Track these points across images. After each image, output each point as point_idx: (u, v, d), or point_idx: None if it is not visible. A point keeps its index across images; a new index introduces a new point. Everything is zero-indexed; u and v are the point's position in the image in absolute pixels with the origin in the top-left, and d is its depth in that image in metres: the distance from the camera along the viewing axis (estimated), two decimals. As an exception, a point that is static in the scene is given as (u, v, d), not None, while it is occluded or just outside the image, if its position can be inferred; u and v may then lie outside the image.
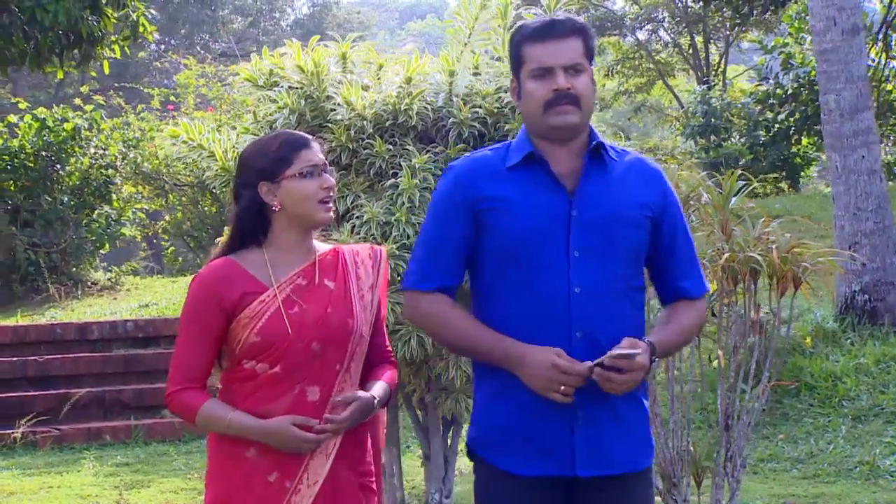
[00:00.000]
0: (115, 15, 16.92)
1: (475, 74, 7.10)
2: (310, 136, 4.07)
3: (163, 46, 43.99)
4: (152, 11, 42.40)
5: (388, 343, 4.28)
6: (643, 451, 3.95)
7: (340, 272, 4.06)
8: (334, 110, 6.74)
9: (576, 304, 3.76)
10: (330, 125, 6.73)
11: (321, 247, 4.12)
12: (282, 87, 6.93)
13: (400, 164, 6.59)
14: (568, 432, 3.78)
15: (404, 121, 6.74)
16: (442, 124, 6.93)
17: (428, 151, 6.80)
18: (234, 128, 7.36)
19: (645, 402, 3.99)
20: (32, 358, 12.59)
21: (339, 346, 3.96)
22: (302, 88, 6.91)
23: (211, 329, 3.91)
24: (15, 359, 12.54)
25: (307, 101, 6.85)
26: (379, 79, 7.17)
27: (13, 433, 11.42)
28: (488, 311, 3.88)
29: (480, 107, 6.81)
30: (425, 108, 6.80)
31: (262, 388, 3.90)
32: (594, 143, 3.89)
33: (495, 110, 6.85)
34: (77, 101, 20.42)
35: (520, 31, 3.95)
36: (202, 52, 40.80)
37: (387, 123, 6.76)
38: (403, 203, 6.55)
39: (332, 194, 4.00)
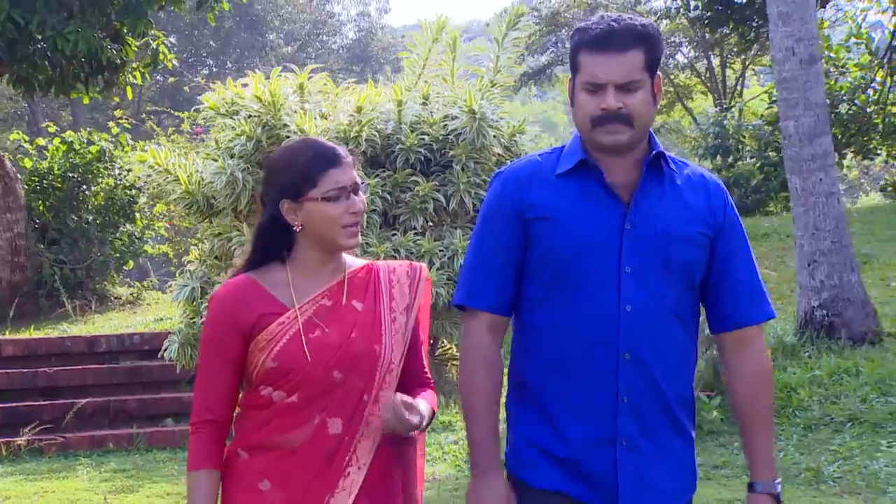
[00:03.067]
0: (137, 43, 17.26)
1: (424, 104, 7.34)
2: (343, 152, 3.59)
3: (215, 70, 44.58)
4: (206, 33, 42.92)
5: (426, 368, 3.79)
6: (687, 483, 3.60)
7: (371, 292, 3.62)
8: (289, 137, 7.00)
9: (625, 323, 3.40)
10: (284, 151, 7.00)
11: (353, 262, 3.68)
12: (241, 115, 7.21)
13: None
14: (611, 460, 3.43)
15: (354, 147, 7.00)
16: (391, 150, 7.18)
17: (377, 175, 7.06)
18: (197, 152, 7.66)
19: (692, 430, 3.63)
20: (42, 369, 12.93)
21: (364, 375, 3.51)
22: (259, 117, 7.18)
23: (229, 353, 3.52)
24: (25, 370, 12.89)
25: (263, 129, 7.12)
26: (335, 107, 7.45)
27: (17, 441, 11.74)
28: (532, 325, 3.54)
29: (427, 134, 7.05)
30: (374, 134, 7.07)
31: (279, 416, 3.49)
32: (654, 152, 3.52)
33: (441, 137, 7.10)
34: (111, 124, 20.80)
35: (579, 33, 3.51)
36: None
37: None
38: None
39: (359, 219, 3.55)
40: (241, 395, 3.61)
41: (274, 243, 3.58)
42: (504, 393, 3.64)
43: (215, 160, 6.96)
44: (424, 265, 3.78)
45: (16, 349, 13.29)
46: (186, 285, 6.97)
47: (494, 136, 6.96)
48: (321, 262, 3.57)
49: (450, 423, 11.65)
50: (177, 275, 7.50)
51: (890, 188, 26.97)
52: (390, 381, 3.55)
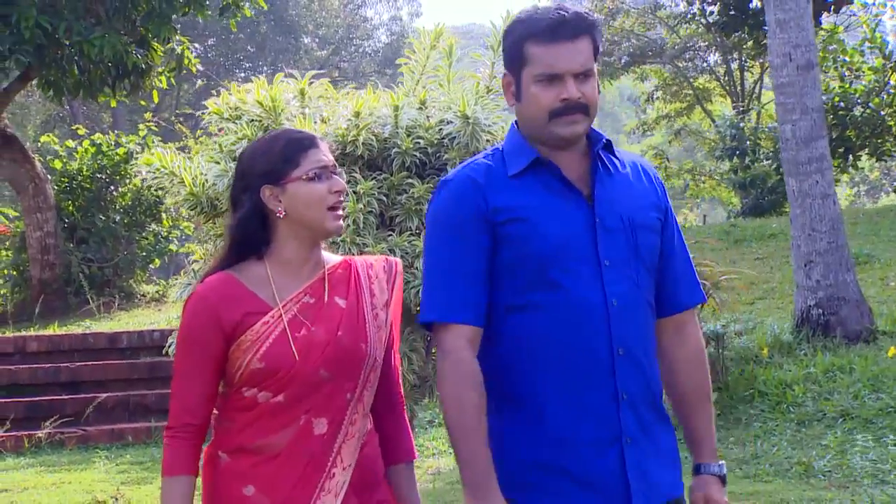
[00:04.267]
0: (162, 49, 17.43)
1: (420, 108, 7.43)
2: (316, 135, 3.45)
3: (251, 73, 44.80)
4: (241, 37, 43.09)
5: (398, 379, 3.59)
6: (678, 475, 3.42)
7: (353, 288, 3.44)
8: (289, 141, 7.11)
9: (615, 318, 3.23)
10: (284, 154, 7.09)
11: (330, 259, 3.50)
12: (244, 119, 7.31)
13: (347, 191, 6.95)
14: (618, 461, 3.24)
15: (352, 150, 7.10)
16: (387, 154, 7.27)
17: (373, 178, 7.16)
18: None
19: (671, 421, 3.46)
20: (65, 365, 13.15)
21: (350, 373, 3.35)
22: (261, 121, 7.27)
23: (210, 354, 3.31)
24: (48, 365, 13.12)
25: (264, 133, 7.20)
26: (335, 112, 7.54)
27: (38, 433, 11.94)
28: (511, 334, 3.28)
29: (422, 138, 7.14)
30: (371, 138, 7.16)
31: (262, 418, 3.31)
32: (603, 141, 3.36)
33: (435, 141, 7.17)
34: (140, 126, 21.01)
35: (522, 24, 3.31)
36: (285, 79, 41.65)
37: (336, 153, 7.12)
38: (349, 225, 6.90)
39: (342, 199, 3.37)
40: (218, 400, 3.40)
41: (253, 237, 3.37)
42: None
43: (217, 163, 7.03)
44: (399, 260, 3.65)
45: (40, 345, 13.50)
46: (189, 284, 7.05)
47: (487, 141, 7.01)
48: (301, 257, 3.39)
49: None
50: (181, 273, 7.61)
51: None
52: (374, 379, 3.42)
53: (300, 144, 3.35)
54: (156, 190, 7.76)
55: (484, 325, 3.28)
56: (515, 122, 3.43)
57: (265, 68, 45.16)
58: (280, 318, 3.30)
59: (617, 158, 3.40)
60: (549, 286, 3.23)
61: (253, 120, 7.32)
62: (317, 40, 48.90)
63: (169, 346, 7.65)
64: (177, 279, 7.59)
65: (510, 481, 3.24)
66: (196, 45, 38.73)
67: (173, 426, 3.35)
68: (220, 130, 7.52)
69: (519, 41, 3.29)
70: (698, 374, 3.47)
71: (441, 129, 7.19)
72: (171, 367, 8.36)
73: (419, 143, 7.10)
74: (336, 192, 3.34)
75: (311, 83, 7.50)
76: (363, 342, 3.37)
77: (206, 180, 7.25)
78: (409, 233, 7.04)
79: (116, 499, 9.16)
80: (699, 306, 3.60)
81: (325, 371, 3.30)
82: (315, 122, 7.18)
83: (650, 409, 3.33)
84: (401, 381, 3.61)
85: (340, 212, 3.37)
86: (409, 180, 7.24)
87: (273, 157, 3.33)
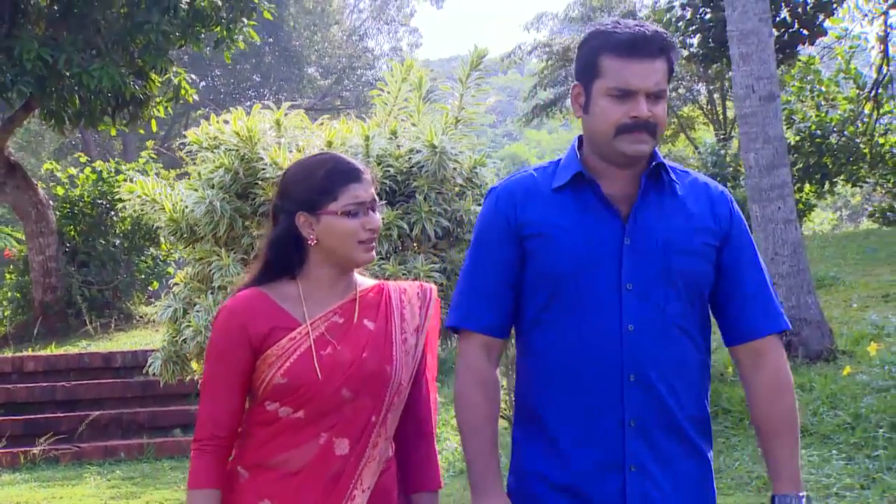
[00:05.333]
0: (159, 79, 17.54)
1: (392, 138, 7.52)
2: (363, 167, 3.37)
3: (257, 102, 44.72)
4: (247, 67, 43.20)
5: (430, 406, 3.50)
6: None
7: (383, 312, 3.39)
8: (264, 169, 7.19)
9: (628, 343, 3.11)
10: (260, 182, 7.18)
11: (364, 282, 3.45)
12: (221, 149, 7.41)
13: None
14: (619, 486, 3.14)
15: (324, 178, 7.20)
16: (359, 181, 7.36)
17: (345, 205, 7.25)
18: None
19: (708, 452, 3.30)
20: (61, 384, 13.22)
21: (373, 395, 3.28)
22: (237, 150, 7.37)
23: (238, 367, 3.26)
24: (45, 384, 13.20)
25: (241, 162, 7.30)
26: (310, 142, 7.64)
27: (33, 450, 12.00)
28: (532, 348, 3.26)
29: (392, 166, 7.23)
30: (343, 167, 7.26)
31: (283, 433, 3.25)
32: (654, 162, 3.21)
33: (405, 169, 7.26)
34: (143, 153, 21.15)
35: (601, 37, 3.19)
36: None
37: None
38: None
39: (374, 235, 3.32)
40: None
41: (286, 258, 3.33)
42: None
43: (195, 190, 7.13)
44: (434, 286, 3.58)
45: (37, 365, 13.60)
46: (170, 306, 7.16)
47: (454, 168, 7.12)
48: (333, 279, 3.34)
49: (437, 435, 11.84)
50: (162, 296, 7.70)
51: (878, 214, 27.12)
52: (398, 403, 3.35)
53: (342, 177, 3.29)
54: (139, 217, 7.85)
55: (504, 337, 3.30)
56: (579, 136, 3.33)
57: (270, 97, 45.36)
58: (307, 336, 3.26)
59: (677, 181, 3.26)
60: (565, 306, 3.16)
61: (230, 149, 7.42)
62: (320, 70, 49.03)
63: (149, 367, 7.74)
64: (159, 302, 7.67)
65: (517, 490, 3.26)
66: (194, 75, 38.89)
67: (200, 438, 3.29)
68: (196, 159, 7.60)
69: (595, 52, 3.18)
70: (779, 402, 3.26)
71: (410, 157, 7.29)
72: (164, 385, 8.33)
73: (389, 170, 7.19)
74: (369, 230, 3.29)
75: (287, 114, 7.61)
76: (388, 364, 3.30)
77: (186, 207, 7.35)
78: (379, 256, 7.12)
79: (103, 513, 9.28)
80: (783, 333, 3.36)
81: (348, 391, 3.24)
82: (290, 152, 7.27)
83: (670, 435, 3.19)
84: (435, 407, 3.53)
85: (372, 245, 3.32)
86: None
87: (313, 186, 3.28)
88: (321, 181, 3.27)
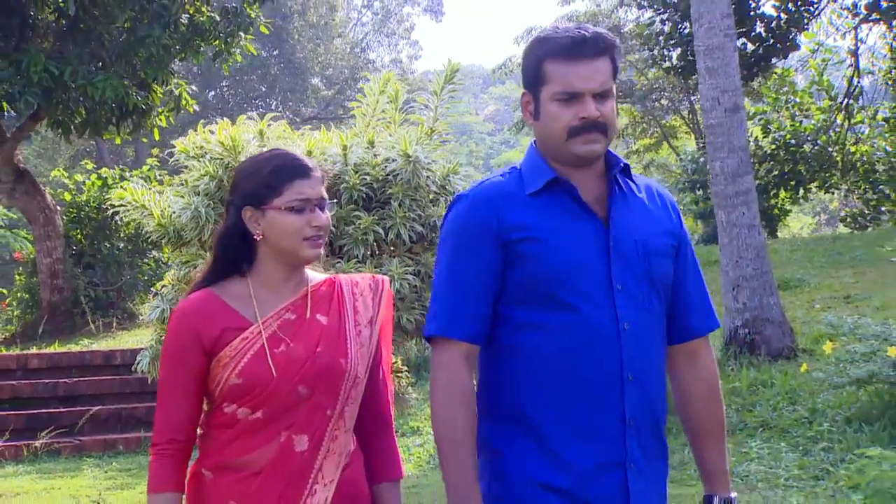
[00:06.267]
0: (162, 90, 17.64)
1: (369, 148, 7.61)
2: (312, 164, 3.23)
3: (262, 111, 44.86)
4: (253, 78, 43.32)
5: (388, 398, 3.38)
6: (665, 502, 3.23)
7: (335, 305, 3.25)
8: (247, 177, 7.29)
9: (626, 342, 3.03)
10: (243, 189, 7.28)
11: (315, 276, 3.30)
12: (206, 157, 7.50)
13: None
14: (620, 485, 3.06)
15: (304, 186, 7.29)
16: (337, 188, 7.45)
17: (323, 211, 7.34)
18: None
19: (667, 453, 3.27)
20: (63, 380, 13.31)
21: (329, 390, 3.15)
22: (222, 159, 7.46)
23: (192, 370, 3.14)
24: (48, 381, 13.28)
25: (225, 170, 7.39)
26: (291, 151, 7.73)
27: (35, 443, 12.11)
28: (521, 351, 3.08)
29: (368, 174, 7.32)
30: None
31: (243, 435, 3.14)
32: (621, 165, 3.15)
33: (381, 177, 7.35)
34: (148, 161, 21.27)
35: (542, 43, 3.10)
36: (293, 116, 42.19)
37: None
38: (300, 253, 7.08)
39: (321, 233, 3.17)
40: (202, 416, 3.24)
41: (235, 253, 3.21)
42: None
43: (182, 197, 7.23)
44: (387, 278, 3.45)
45: (40, 362, 13.69)
46: (158, 307, 7.25)
47: (427, 177, 7.22)
48: (283, 276, 3.20)
49: (417, 429, 11.94)
50: (150, 297, 7.79)
51: (849, 219, 27.26)
52: (356, 396, 3.22)
53: (288, 172, 3.16)
54: (128, 221, 7.93)
55: (483, 343, 3.11)
56: (534, 141, 3.23)
57: (275, 106, 45.47)
58: (259, 335, 3.13)
59: (633, 182, 3.20)
60: (562, 308, 3.02)
61: (215, 158, 7.51)
62: (324, 81, 49.16)
63: (138, 364, 7.83)
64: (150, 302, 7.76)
65: (504, 496, 3.07)
66: (203, 86, 39.28)
67: (158, 442, 3.18)
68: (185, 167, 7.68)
69: (538, 60, 3.09)
70: (711, 403, 3.27)
71: (386, 166, 7.38)
72: (150, 382, 8.30)
73: (366, 178, 7.27)
74: (315, 227, 3.15)
75: (270, 125, 7.70)
76: (343, 358, 3.18)
77: (173, 213, 7.45)
78: (356, 260, 7.21)
79: (98, 503, 9.32)
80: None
81: (304, 387, 3.12)
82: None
83: (653, 437, 3.15)
84: (392, 399, 3.41)
85: (319, 241, 3.18)
86: (357, 212, 7.41)
87: (259, 180, 3.16)
88: (267, 176, 3.15)
